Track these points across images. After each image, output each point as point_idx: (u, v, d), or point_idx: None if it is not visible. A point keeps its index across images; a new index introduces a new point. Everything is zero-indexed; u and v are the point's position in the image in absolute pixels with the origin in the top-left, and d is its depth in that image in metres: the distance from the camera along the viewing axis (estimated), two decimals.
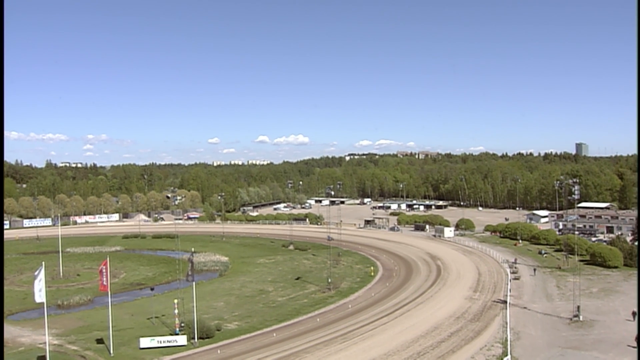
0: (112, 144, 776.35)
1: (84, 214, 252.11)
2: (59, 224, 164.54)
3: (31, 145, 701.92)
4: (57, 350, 66.08)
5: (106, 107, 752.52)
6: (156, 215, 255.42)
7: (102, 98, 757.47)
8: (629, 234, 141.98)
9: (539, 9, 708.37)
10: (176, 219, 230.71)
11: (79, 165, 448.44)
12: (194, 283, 75.38)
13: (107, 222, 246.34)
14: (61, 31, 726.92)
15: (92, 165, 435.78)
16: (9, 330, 74.93)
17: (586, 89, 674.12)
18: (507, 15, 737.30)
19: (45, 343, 61.77)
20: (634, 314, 71.05)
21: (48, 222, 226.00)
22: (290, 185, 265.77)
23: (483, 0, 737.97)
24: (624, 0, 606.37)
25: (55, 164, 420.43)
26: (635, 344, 63.32)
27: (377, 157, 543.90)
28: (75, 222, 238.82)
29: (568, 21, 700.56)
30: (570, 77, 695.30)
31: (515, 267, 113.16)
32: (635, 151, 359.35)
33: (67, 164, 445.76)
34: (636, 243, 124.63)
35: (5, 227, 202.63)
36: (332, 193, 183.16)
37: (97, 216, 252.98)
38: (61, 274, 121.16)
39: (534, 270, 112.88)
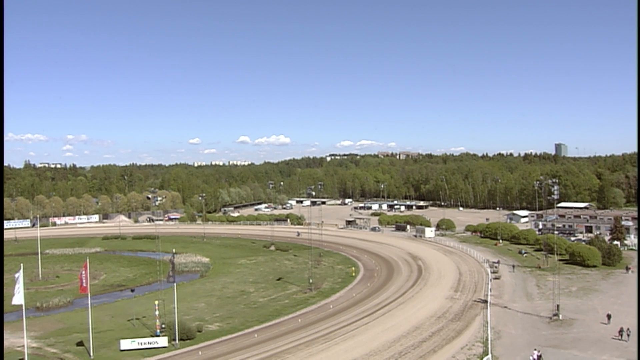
0: (92, 145, 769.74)
1: (64, 215, 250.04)
2: (38, 225, 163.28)
3: (9, 145, 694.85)
4: (36, 353, 65.46)
5: (86, 108, 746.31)
6: (148, 217, 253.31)
7: (82, 98, 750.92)
8: (607, 234, 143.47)
9: (513, 10, 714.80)
10: (157, 220, 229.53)
11: (58, 165, 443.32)
12: (174, 284, 74.99)
13: (86, 223, 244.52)
14: (41, 31, 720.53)
15: (72, 165, 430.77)
16: None
17: (566, 90, 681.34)
18: (486, 16, 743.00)
19: (23, 346, 61.05)
20: (608, 316, 71.67)
21: (27, 223, 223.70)
22: (271, 185, 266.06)
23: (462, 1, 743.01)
24: (601, 2, 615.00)
25: (34, 165, 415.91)
26: (618, 336, 65.46)
27: (358, 157, 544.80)
28: (54, 224, 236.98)
29: (547, 22, 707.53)
30: (550, 78, 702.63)
31: (496, 267, 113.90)
32: (613, 151, 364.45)
33: (46, 165, 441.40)
34: (614, 242, 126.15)
35: None
36: (313, 193, 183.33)
37: (76, 217, 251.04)
38: (40, 275, 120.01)
39: (513, 267, 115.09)
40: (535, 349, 60.26)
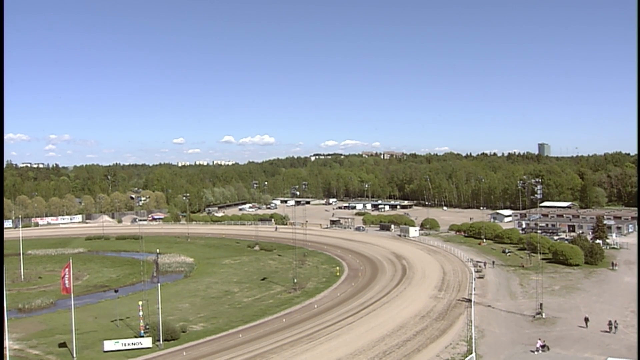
0: (75, 144, 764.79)
1: (46, 216, 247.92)
2: (20, 226, 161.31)
3: None
4: (18, 355, 64.93)
5: (69, 107, 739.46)
6: (134, 217, 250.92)
7: (65, 97, 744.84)
8: (590, 233, 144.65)
9: (490, 10, 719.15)
10: (140, 220, 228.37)
11: (41, 165, 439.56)
12: (158, 285, 74.71)
13: (69, 224, 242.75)
14: (23, 31, 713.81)
15: (55, 165, 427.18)
16: None
17: (549, 90, 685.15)
18: (467, 16, 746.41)
19: (5, 348, 60.45)
20: (586, 320, 71.93)
21: (8, 224, 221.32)
22: (255, 185, 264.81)
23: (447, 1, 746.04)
24: (580, 3, 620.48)
25: (16, 165, 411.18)
26: (607, 329, 67.54)
27: (342, 157, 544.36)
28: (36, 224, 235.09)
29: (528, 23, 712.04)
30: (534, 79, 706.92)
31: (480, 267, 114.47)
32: (595, 151, 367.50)
33: (29, 165, 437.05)
34: (597, 241, 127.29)
35: None
36: (298, 193, 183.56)
37: (59, 217, 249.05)
38: (22, 276, 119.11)
39: (493, 263, 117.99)
40: (539, 339, 62.86)
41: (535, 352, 61.05)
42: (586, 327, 70.20)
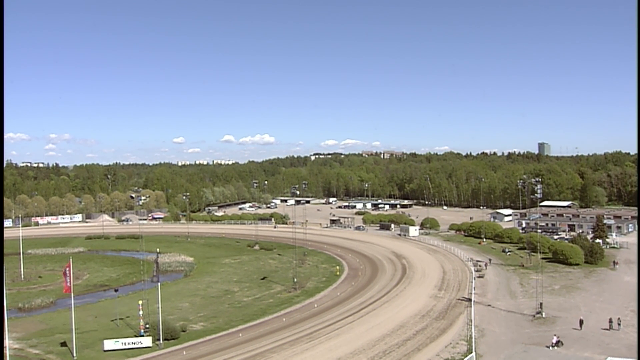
0: (75, 144, 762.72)
1: (46, 215, 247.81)
2: (20, 225, 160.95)
3: None
4: (18, 355, 64.86)
5: (69, 106, 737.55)
6: (126, 217, 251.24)
7: (65, 97, 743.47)
8: (590, 232, 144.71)
9: (488, 9, 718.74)
10: (140, 219, 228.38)
11: (41, 165, 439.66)
12: (158, 284, 74.69)
13: (69, 223, 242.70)
14: (23, 30, 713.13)
15: (55, 165, 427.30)
16: None
17: (549, 90, 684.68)
18: (472, 16, 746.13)
19: (5, 347, 60.40)
20: (581, 322, 71.56)
21: (8, 223, 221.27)
22: (255, 185, 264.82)
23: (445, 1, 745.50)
24: (580, 2, 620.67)
25: (16, 164, 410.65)
26: (608, 327, 67.96)
27: (342, 156, 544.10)
28: (36, 223, 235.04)
29: (528, 22, 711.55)
30: (533, 78, 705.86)
31: (480, 266, 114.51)
32: (595, 151, 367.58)
33: (29, 164, 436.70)
34: (597, 241, 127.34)
35: None
36: (298, 193, 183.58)
37: (59, 217, 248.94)
38: (22, 276, 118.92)
39: (489, 260, 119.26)
40: (555, 335, 64.00)
41: (551, 348, 61.76)
42: (580, 329, 69.83)
